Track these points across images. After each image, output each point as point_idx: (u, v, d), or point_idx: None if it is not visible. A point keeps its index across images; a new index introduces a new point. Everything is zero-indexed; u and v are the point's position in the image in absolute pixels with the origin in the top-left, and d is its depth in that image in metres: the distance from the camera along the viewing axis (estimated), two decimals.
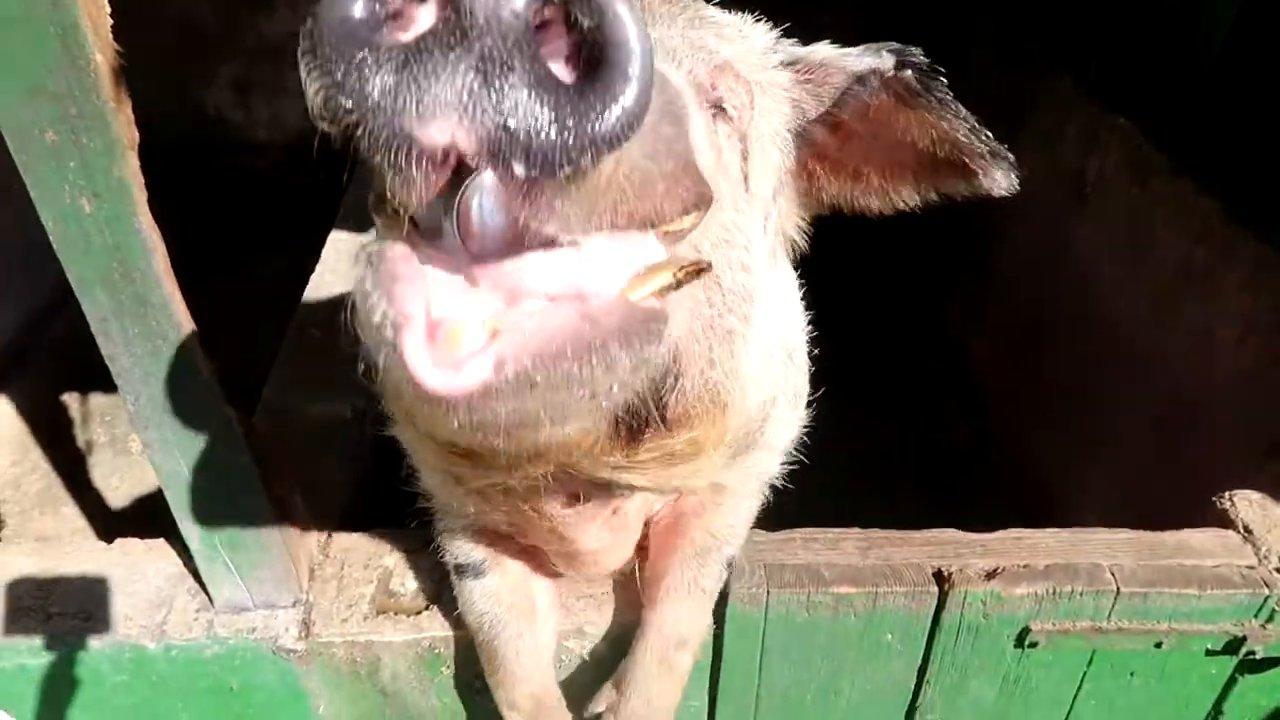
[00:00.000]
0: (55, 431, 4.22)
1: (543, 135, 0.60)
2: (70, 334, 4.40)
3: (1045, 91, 3.40)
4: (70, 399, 4.35)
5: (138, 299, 1.29)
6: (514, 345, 0.66)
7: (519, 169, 0.61)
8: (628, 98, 0.60)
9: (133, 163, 1.19)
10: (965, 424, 3.81)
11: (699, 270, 0.82)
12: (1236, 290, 2.54)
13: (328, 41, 0.61)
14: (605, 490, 1.19)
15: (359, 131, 0.62)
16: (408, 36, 0.61)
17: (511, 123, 0.60)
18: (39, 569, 1.74)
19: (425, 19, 0.62)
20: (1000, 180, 1.12)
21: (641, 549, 1.58)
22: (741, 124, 1.05)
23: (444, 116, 0.60)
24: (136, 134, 1.18)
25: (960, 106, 1.11)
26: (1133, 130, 3.00)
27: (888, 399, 3.86)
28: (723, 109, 1.01)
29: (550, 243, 0.70)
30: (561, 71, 0.62)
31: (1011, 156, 1.12)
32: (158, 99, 2.73)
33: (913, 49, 1.13)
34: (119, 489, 4.03)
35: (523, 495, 1.20)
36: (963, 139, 1.10)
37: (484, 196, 0.69)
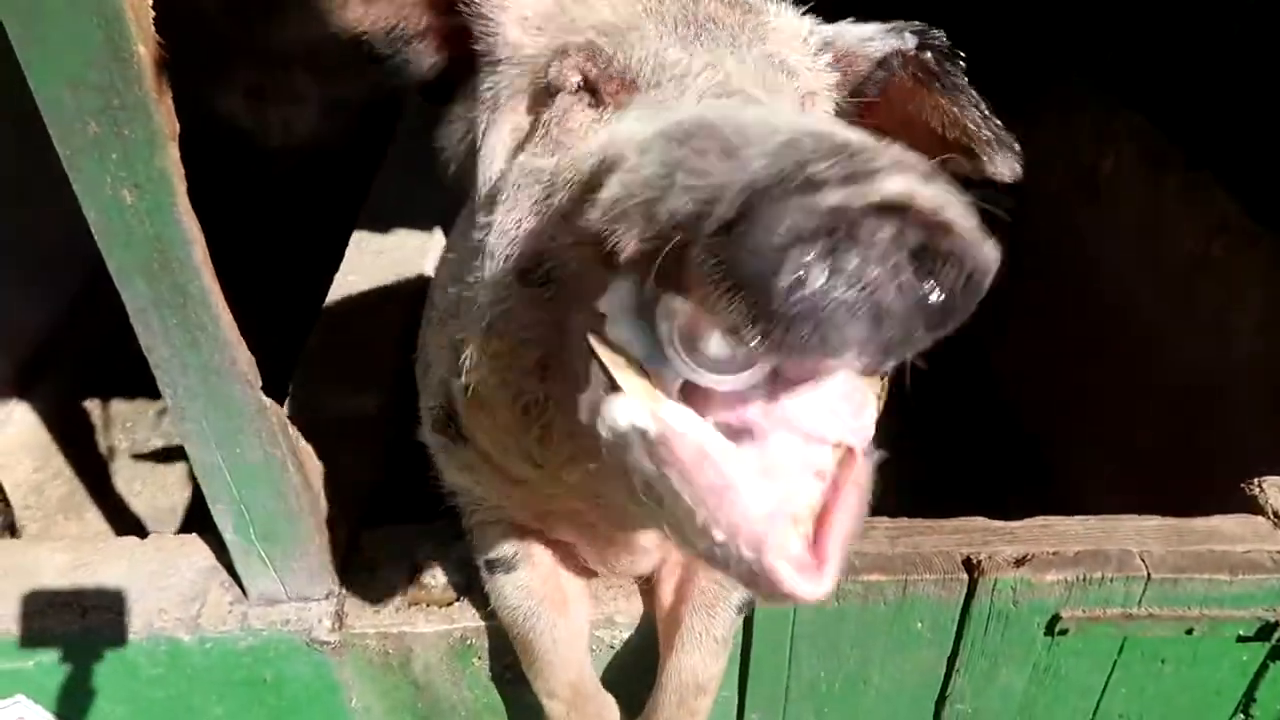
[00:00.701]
0: (77, 438, 4.25)
1: (906, 353, 0.73)
2: (90, 342, 4.46)
3: (1058, 87, 3.40)
4: (92, 405, 4.37)
5: (177, 289, 1.30)
6: (837, 540, 0.74)
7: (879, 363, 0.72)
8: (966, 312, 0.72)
9: (173, 153, 1.20)
10: (985, 419, 3.81)
11: (888, 384, 0.91)
12: (1254, 281, 2.54)
13: (781, 296, 0.66)
14: None
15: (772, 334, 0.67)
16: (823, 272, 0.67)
17: (890, 353, 0.71)
18: (73, 564, 1.75)
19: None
20: (1004, 168, 1.15)
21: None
22: None
23: (849, 352, 0.69)
24: (177, 125, 1.20)
25: (973, 92, 1.13)
26: (1146, 125, 3.00)
27: (905, 396, 3.85)
28: None
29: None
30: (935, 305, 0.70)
31: (1017, 145, 1.14)
32: None
33: (935, 30, 1.15)
34: (140, 494, 4.06)
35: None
36: (972, 125, 1.13)
37: None
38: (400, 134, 3.35)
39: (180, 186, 1.23)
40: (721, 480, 0.72)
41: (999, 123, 1.12)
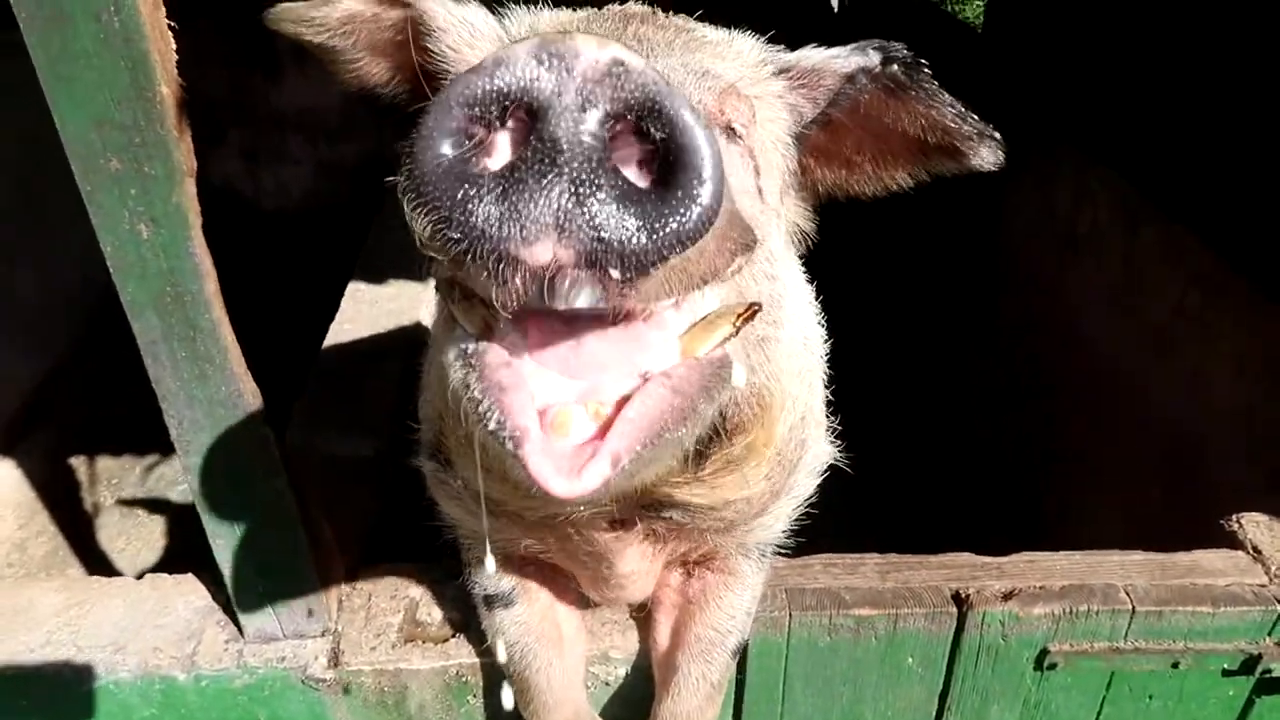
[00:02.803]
0: (62, 495, 4.23)
1: (634, 242, 0.67)
2: (77, 399, 4.46)
3: (1037, 147, 3.52)
4: (78, 462, 4.37)
5: (187, 323, 1.34)
6: (624, 439, 0.74)
7: (615, 273, 0.68)
8: (705, 197, 0.67)
9: (190, 190, 1.25)
10: (971, 471, 3.85)
11: (754, 313, 0.89)
12: (1228, 332, 2.61)
13: (428, 181, 0.67)
14: (653, 511, 1.25)
15: (466, 256, 0.68)
16: (497, 163, 0.68)
17: (605, 235, 0.66)
18: (67, 603, 1.76)
19: (507, 144, 0.68)
20: (987, 157, 1.18)
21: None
22: (749, 140, 1.10)
23: (545, 238, 0.66)
24: (195, 162, 1.25)
25: (945, 94, 1.16)
26: (1122, 182, 3.11)
27: (895, 448, 3.89)
28: (732, 129, 1.07)
29: (628, 315, 0.78)
30: (638, 177, 0.68)
31: (998, 135, 1.17)
32: None
33: (895, 45, 1.18)
34: (124, 551, 4.03)
35: (572, 523, 1.27)
36: (951, 124, 1.16)
37: (573, 287, 0.75)
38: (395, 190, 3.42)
39: (196, 222, 1.28)
40: (512, 380, 0.75)
41: (975, 117, 1.16)
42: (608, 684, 1.71)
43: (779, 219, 1.21)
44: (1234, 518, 1.86)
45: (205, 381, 1.40)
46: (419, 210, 0.68)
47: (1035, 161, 3.53)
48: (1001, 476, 3.71)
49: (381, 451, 2.14)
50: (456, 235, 0.67)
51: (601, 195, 0.66)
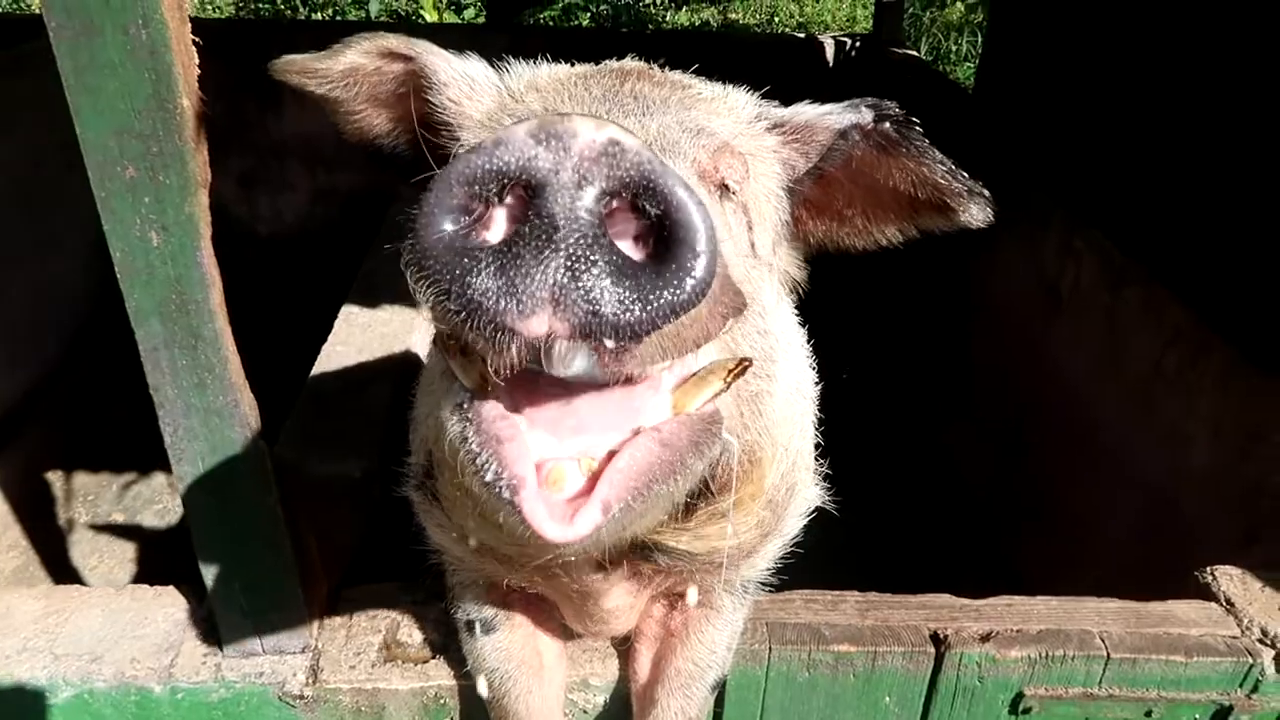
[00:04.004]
0: (36, 510, 4.19)
1: (628, 314, 0.70)
2: (54, 416, 4.43)
3: (1021, 207, 3.61)
4: (54, 478, 4.33)
5: (190, 331, 1.36)
6: (614, 488, 0.77)
7: (609, 343, 0.71)
8: (698, 270, 0.71)
9: (203, 200, 1.28)
10: (952, 522, 3.87)
11: (745, 368, 0.91)
12: (1206, 390, 2.67)
13: (430, 255, 0.70)
14: (640, 555, 1.27)
15: (465, 326, 0.71)
16: (496, 237, 0.71)
17: (600, 308, 0.69)
18: (45, 611, 1.75)
19: (505, 219, 0.71)
20: (977, 215, 1.21)
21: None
22: (743, 196, 1.13)
23: (541, 311, 0.69)
24: (209, 174, 1.28)
25: (936, 151, 1.19)
26: (1105, 241, 3.19)
27: (876, 499, 3.92)
28: (726, 186, 1.09)
29: (629, 380, 0.81)
30: (634, 250, 0.71)
31: (987, 193, 1.20)
32: None
33: (888, 103, 1.22)
34: (97, 569, 3.99)
35: (561, 566, 1.28)
36: (941, 180, 1.19)
37: (569, 353, 0.78)
38: (392, 215, 3.47)
39: (206, 232, 1.30)
40: (508, 432, 0.78)
41: (965, 174, 1.19)
42: (586, 712, 1.71)
43: (771, 271, 1.23)
44: (1207, 570, 1.89)
45: (204, 390, 1.42)
46: (421, 282, 0.71)
47: (1021, 220, 3.62)
48: (980, 527, 3.74)
49: (370, 473, 2.15)
50: (455, 307, 0.70)
51: (596, 270, 0.69)
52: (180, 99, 1.20)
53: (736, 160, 1.10)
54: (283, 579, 1.61)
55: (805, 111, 1.25)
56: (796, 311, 1.47)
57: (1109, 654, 1.70)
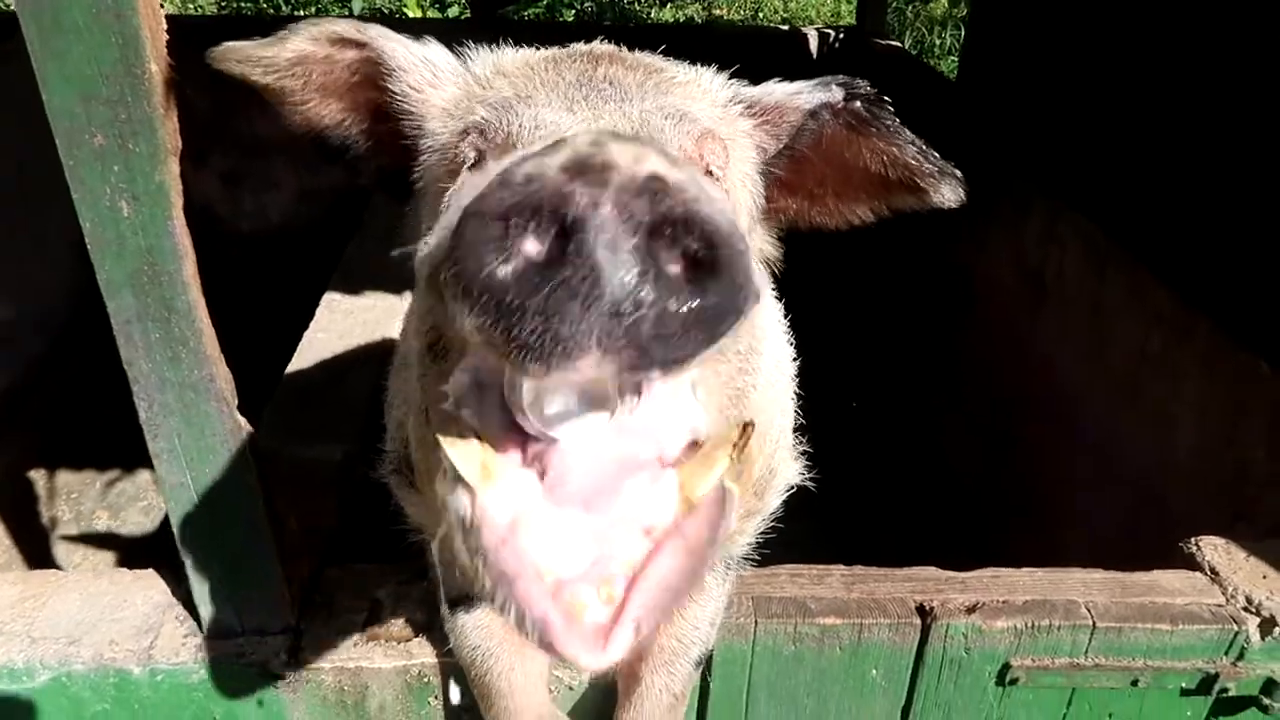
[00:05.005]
0: (19, 508, 4.16)
1: (673, 356, 0.67)
2: (38, 414, 4.40)
3: (1006, 193, 3.61)
4: (37, 475, 4.30)
5: (163, 303, 1.35)
6: (644, 608, 0.73)
7: (655, 375, 0.68)
8: (740, 302, 0.68)
9: (173, 169, 1.26)
10: (941, 510, 3.88)
11: (748, 437, 0.84)
12: (1191, 373, 2.67)
13: (477, 290, 0.65)
14: None
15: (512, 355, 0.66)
16: (534, 273, 0.65)
17: (647, 351, 0.66)
18: (23, 595, 1.73)
19: (544, 250, 0.65)
20: (949, 195, 1.18)
21: None
22: (725, 182, 1.10)
23: (588, 356, 0.65)
24: (179, 142, 1.26)
25: (907, 131, 1.17)
26: (1089, 225, 3.19)
27: (864, 480, 3.92)
28: (710, 172, 1.06)
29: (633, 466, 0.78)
30: (673, 285, 0.66)
31: (959, 173, 1.18)
32: None
33: (859, 81, 1.19)
34: (80, 566, 3.96)
35: None
36: (912, 160, 1.16)
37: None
38: (376, 204, 3.45)
39: (178, 201, 1.28)
40: (516, 565, 0.72)
41: (936, 155, 1.17)
42: (571, 688, 1.70)
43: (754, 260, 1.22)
44: (1192, 540, 1.89)
45: (178, 364, 1.40)
46: (468, 312, 0.66)
47: (1005, 208, 3.62)
48: (965, 511, 3.75)
49: (351, 455, 2.13)
50: (501, 339, 0.65)
51: (641, 313, 0.65)
52: (148, 64, 1.19)
53: (719, 146, 1.08)
54: (261, 557, 1.59)
55: (775, 91, 1.23)
56: (774, 290, 1.46)
57: (1095, 623, 1.69)
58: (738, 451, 0.81)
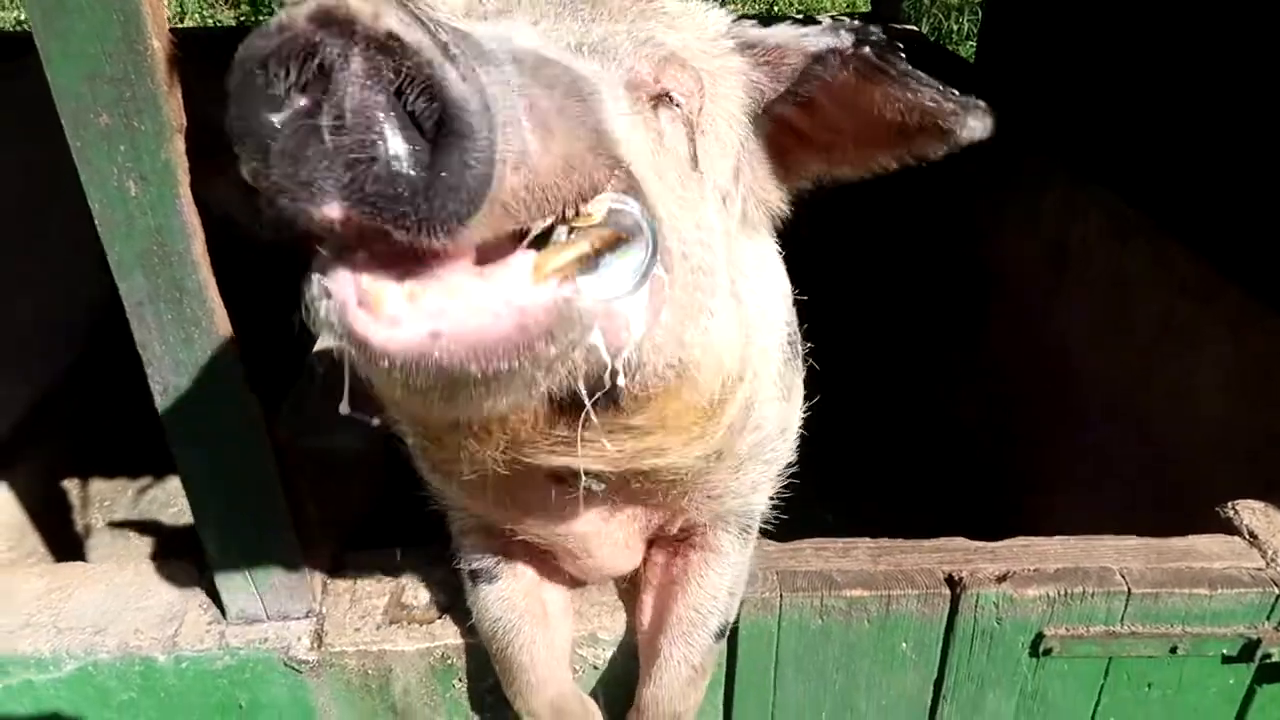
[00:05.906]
0: (54, 517, 4.20)
1: (411, 218, 0.69)
2: (69, 422, 4.45)
3: (1027, 163, 3.56)
4: (70, 484, 4.34)
5: (174, 283, 1.34)
6: (442, 319, 0.74)
7: (401, 236, 0.70)
8: (477, 163, 0.68)
9: (179, 146, 1.26)
10: (960, 486, 3.82)
11: (617, 240, 0.84)
12: (1215, 340, 2.61)
13: (235, 136, 0.72)
14: (572, 483, 1.19)
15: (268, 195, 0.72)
16: (297, 120, 0.70)
17: (386, 206, 0.69)
18: (49, 588, 1.74)
19: (303, 100, 0.70)
20: (976, 128, 1.12)
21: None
22: (689, 109, 1.08)
23: (332, 199, 0.70)
24: (184, 119, 1.26)
25: (922, 74, 1.12)
26: (1111, 195, 3.14)
27: (884, 464, 3.88)
28: (669, 97, 1.05)
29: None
30: (418, 142, 0.69)
31: (983, 103, 1.12)
32: None
33: (871, 27, 1.15)
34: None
35: (505, 485, 1.23)
36: (930, 104, 1.11)
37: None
38: None
39: (184, 179, 1.28)
40: (342, 274, 0.76)
41: (955, 91, 1.11)
42: (596, 667, 1.68)
43: (725, 195, 1.18)
44: (1229, 505, 1.85)
45: (190, 345, 1.40)
46: (244, 156, 0.72)
47: (1026, 179, 3.56)
48: (984, 486, 3.69)
49: (373, 442, 2.12)
50: (265, 184, 0.72)
51: (377, 168, 0.68)
52: (150, 40, 1.18)
53: (685, 73, 1.07)
54: (283, 540, 1.58)
55: (780, 33, 1.20)
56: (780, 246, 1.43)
57: (1130, 590, 1.65)
58: (603, 244, 0.82)
